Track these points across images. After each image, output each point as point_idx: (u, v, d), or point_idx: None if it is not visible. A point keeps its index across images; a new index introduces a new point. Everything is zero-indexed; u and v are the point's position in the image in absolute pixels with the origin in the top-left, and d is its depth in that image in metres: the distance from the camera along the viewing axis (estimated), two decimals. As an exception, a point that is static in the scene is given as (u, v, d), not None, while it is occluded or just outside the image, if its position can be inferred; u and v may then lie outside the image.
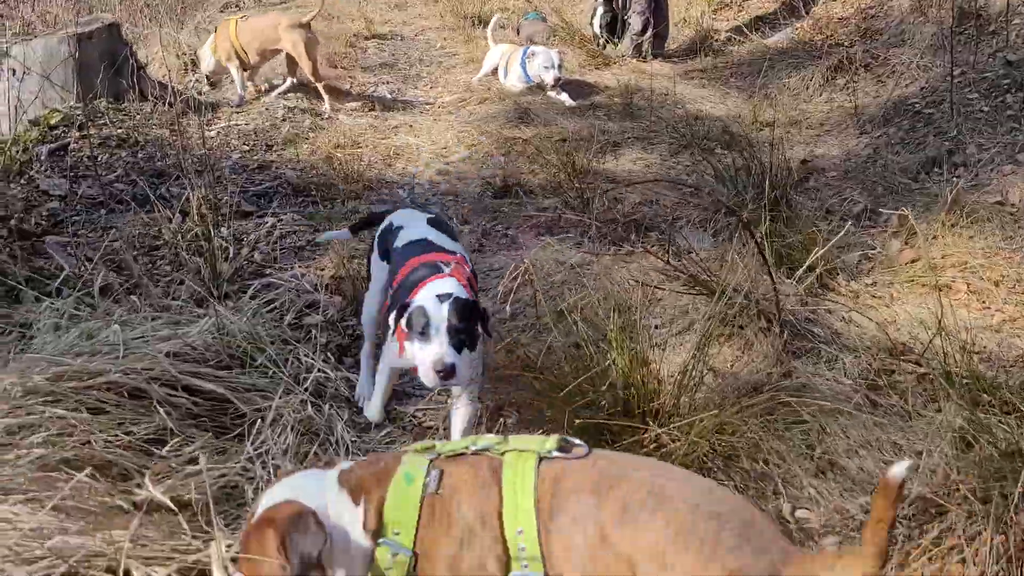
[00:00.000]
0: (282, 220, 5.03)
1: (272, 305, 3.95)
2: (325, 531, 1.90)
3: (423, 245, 3.17)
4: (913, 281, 4.31)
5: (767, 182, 4.64)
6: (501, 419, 3.46)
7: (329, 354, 3.68)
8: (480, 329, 2.78)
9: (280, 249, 4.72)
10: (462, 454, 2.02)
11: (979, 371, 3.37)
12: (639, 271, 4.34)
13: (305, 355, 3.52)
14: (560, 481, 1.91)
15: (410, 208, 3.70)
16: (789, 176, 5.29)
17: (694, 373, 3.11)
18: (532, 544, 1.86)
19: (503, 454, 1.98)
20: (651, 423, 2.98)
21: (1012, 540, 2.55)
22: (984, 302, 4.15)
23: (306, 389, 3.31)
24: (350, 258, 4.45)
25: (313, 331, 3.78)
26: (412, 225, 3.35)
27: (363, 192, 5.64)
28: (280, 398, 3.14)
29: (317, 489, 2.00)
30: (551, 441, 2.00)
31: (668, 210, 5.17)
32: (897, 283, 4.34)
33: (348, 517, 1.97)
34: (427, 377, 2.65)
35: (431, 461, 2.00)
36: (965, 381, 3.26)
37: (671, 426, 2.92)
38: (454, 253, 3.15)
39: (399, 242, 3.27)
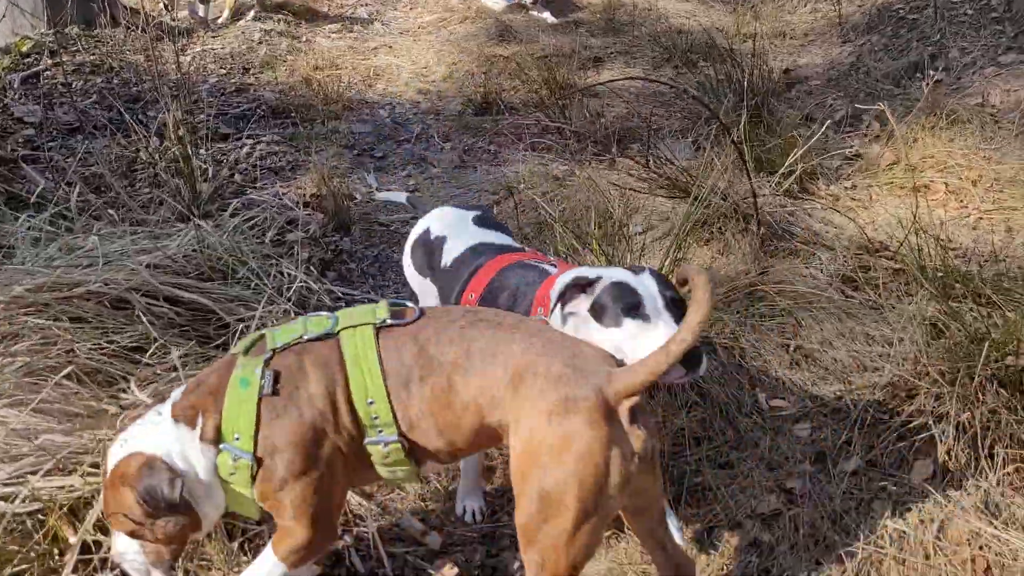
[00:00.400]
0: (261, 141, 5.00)
1: (253, 222, 3.96)
2: (176, 472, 1.91)
3: (486, 253, 2.55)
4: (892, 183, 4.32)
5: (747, 90, 4.61)
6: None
7: (312, 267, 3.70)
8: None
9: (260, 170, 4.70)
10: (297, 342, 1.99)
11: (953, 265, 3.42)
12: (620, 180, 4.34)
13: (288, 268, 3.54)
14: (400, 344, 1.97)
15: (448, 207, 2.87)
16: (771, 84, 5.26)
17: (670, 271, 3.15)
18: (384, 411, 1.94)
19: (338, 333, 1.98)
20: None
21: (977, 417, 2.62)
22: (962, 201, 4.17)
23: (289, 299, 3.33)
24: (330, 177, 4.44)
25: (295, 247, 3.79)
26: (458, 232, 2.70)
27: (343, 113, 5.59)
28: (263, 308, 3.16)
29: (156, 432, 1.96)
30: (382, 309, 2.03)
31: (649, 121, 5.14)
32: (876, 185, 4.35)
33: (191, 445, 1.95)
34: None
35: (265, 363, 1.95)
36: (939, 274, 3.31)
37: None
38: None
39: (447, 258, 2.63)
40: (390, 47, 6.90)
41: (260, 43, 6.61)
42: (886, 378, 2.90)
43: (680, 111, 5.19)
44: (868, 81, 5.56)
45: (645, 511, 2.01)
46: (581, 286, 2.15)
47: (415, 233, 2.83)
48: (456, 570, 2.38)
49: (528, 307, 2.28)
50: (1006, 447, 2.61)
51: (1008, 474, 2.58)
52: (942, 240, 3.66)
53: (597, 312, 2.12)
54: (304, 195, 4.43)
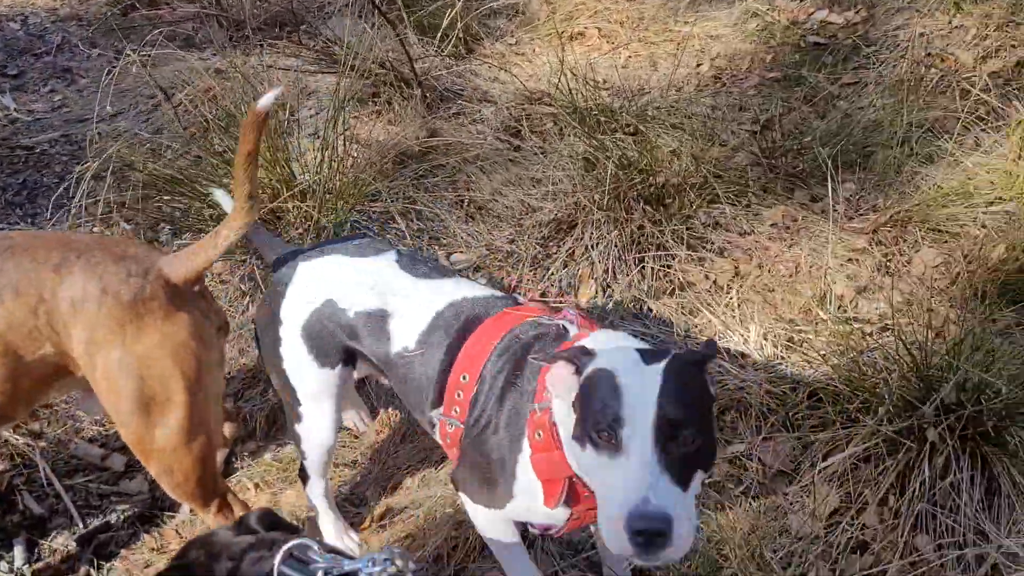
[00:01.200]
0: None
1: None
2: None
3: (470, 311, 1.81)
4: (551, 34, 4.50)
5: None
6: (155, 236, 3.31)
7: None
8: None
9: None
10: None
11: (603, 102, 3.66)
12: (288, 65, 4.16)
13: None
14: None
15: (336, 255, 1.93)
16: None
17: (335, 146, 3.10)
18: None
19: None
20: (299, 202, 2.96)
21: (626, 234, 2.89)
22: (613, 43, 4.45)
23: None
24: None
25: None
26: (395, 289, 1.86)
27: (-39, 30, 4.86)
28: None
29: None
30: None
31: (314, 2, 4.95)
32: (537, 39, 4.51)
33: None
34: (612, 540, 1.36)
35: None
36: (593, 112, 3.53)
37: (319, 196, 2.92)
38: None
39: (404, 337, 1.82)
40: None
41: None
42: (549, 216, 3.09)
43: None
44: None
45: None
46: (575, 364, 1.50)
47: (302, 309, 1.88)
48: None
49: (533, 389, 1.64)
50: (653, 257, 2.90)
51: (660, 278, 2.88)
52: (594, 81, 3.90)
53: (574, 410, 1.49)
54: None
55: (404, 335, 1.80)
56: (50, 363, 1.80)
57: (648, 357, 1.46)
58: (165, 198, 3.19)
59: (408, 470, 2.42)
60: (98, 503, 2.28)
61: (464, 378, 1.71)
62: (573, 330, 1.70)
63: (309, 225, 2.93)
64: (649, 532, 1.28)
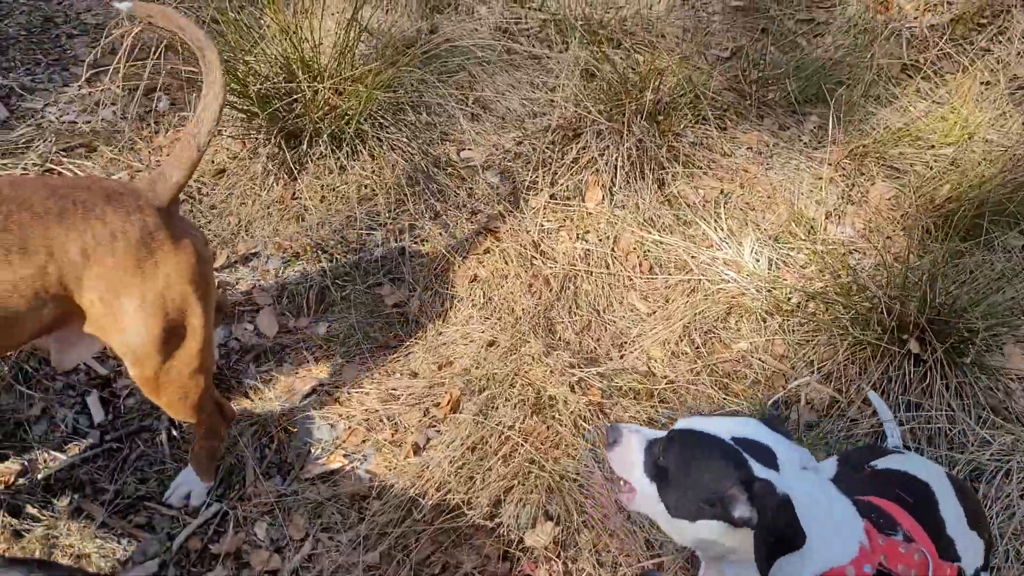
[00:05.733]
0: None
1: None
2: None
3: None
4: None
5: None
6: (151, 103, 3.22)
7: None
8: None
9: None
10: None
11: (591, 14, 3.80)
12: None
13: None
14: None
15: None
16: None
17: (349, 35, 3.11)
18: None
19: None
20: (316, 83, 2.98)
21: (630, 146, 3.11)
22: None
23: None
24: None
25: None
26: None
27: None
28: None
29: None
30: None
31: None
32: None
33: None
34: None
35: None
36: (580, 24, 3.68)
37: (337, 79, 2.94)
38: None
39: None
40: None
41: None
42: (556, 121, 3.26)
43: None
44: None
45: None
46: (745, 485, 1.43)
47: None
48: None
49: None
50: (652, 170, 3.16)
51: (656, 191, 3.14)
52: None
53: None
54: None
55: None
56: (44, 322, 1.70)
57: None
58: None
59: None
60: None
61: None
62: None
63: (328, 110, 2.97)
64: None
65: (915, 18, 4.14)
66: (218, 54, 1.77)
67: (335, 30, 3.18)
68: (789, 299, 2.77)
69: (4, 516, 1.94)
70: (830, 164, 3.36)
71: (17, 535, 1.92)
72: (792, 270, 2.91)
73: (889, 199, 3.28)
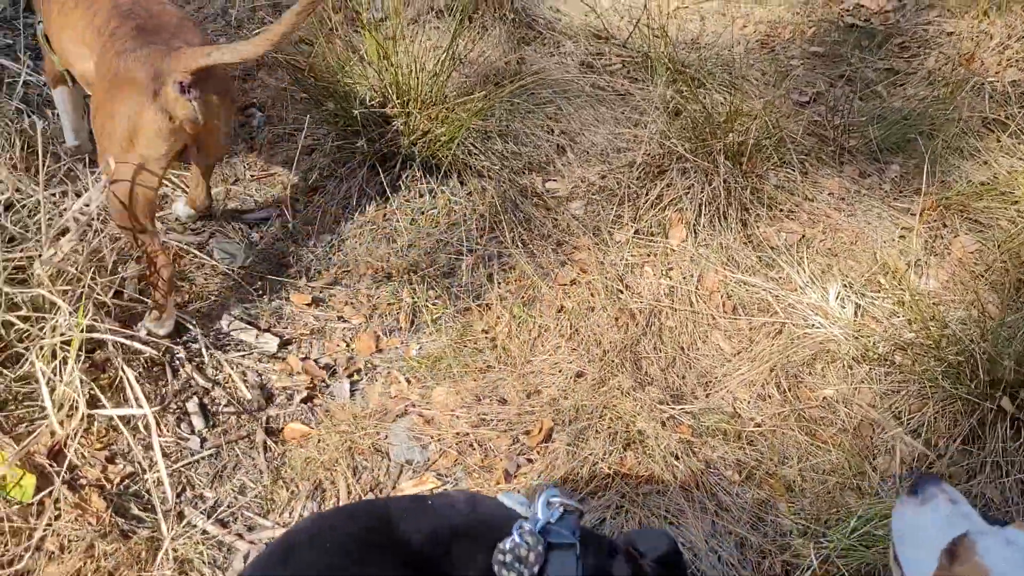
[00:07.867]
0: None
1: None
2: None
3: None
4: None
5: None
6: (247, 120, 3.30)
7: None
8: None
9: None
10: None
11: (674, 54, 3.84)
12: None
13: None
14: None
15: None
16: None
17: (444, 63, 3.17)
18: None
19: None
20: (412, 109, 3.04)
21: (717, 185, 3.13)
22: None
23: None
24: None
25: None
26: None
27: None
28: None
29: None
30: None
31: None
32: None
33: None
34: None
35: None
36: (664, 63, 3.72)
37: (437, 107, 3.00)
38: None
39: None
40: None
41: None
42: (641, 157, 3.29)
43: None
44: None
45: (203, 152, 2.50)
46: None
47: None
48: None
49: None
50: (736, 210, 3.17)
51: (739, 232, 3.15)
52: (662, 30, 4.07)
53: None
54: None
55: None
56: None
57: None
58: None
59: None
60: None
61: None
62: None
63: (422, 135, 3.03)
64: None
65: (996, 72, 4.13)
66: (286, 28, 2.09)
67: (432, 56, 3.24)
68: (877, 348, 2.76)
69: (112, 516, 1.98)
70: (914, 214, 3.35)
71: (124, 535, 1.96)
72: (879, 319, 2.89)
73: (972, 253, 3.26)
